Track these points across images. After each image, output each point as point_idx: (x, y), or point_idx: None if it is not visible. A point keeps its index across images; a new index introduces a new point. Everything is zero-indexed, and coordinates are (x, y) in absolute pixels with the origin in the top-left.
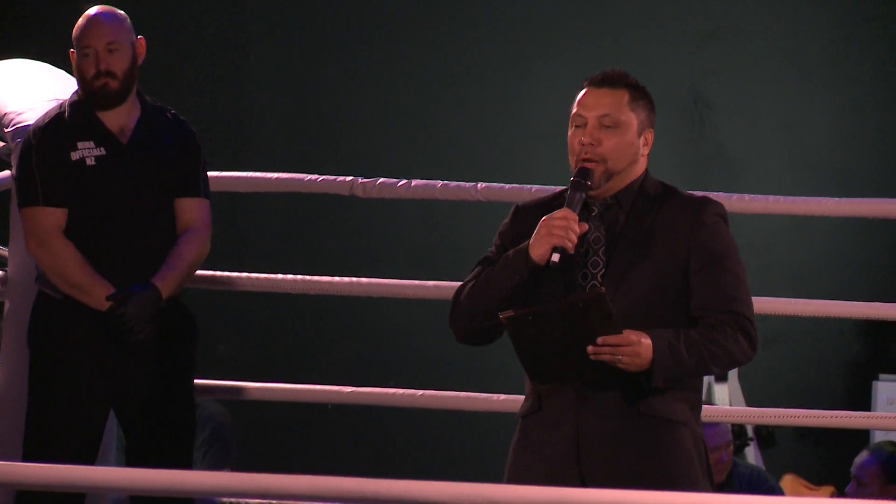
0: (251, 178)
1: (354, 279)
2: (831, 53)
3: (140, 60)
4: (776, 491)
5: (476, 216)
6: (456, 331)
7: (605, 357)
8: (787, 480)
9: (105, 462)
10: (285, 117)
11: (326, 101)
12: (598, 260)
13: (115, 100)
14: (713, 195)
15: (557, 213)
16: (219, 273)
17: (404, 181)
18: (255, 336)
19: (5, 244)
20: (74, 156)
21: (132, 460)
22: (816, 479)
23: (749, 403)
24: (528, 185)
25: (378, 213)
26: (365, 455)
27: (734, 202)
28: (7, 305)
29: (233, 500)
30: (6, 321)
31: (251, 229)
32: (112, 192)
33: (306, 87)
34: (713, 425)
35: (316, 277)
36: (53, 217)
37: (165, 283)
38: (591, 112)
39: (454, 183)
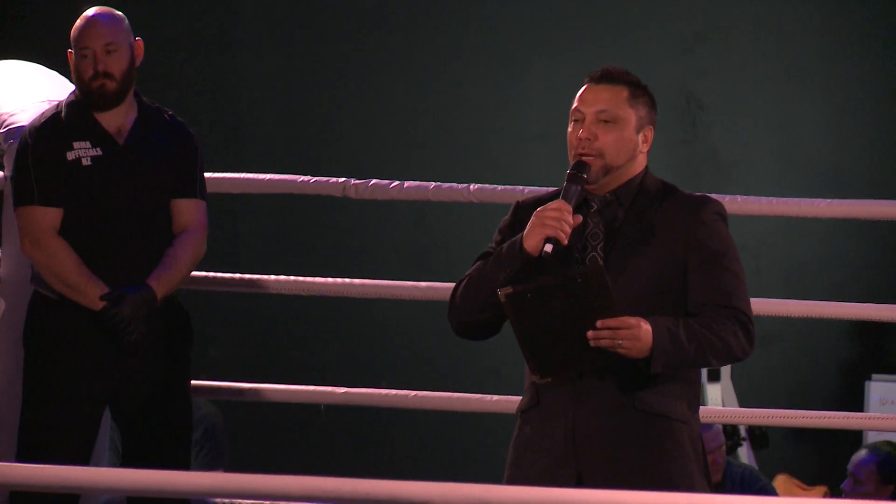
0: (244, 179)
1: (347, 280)
2: (824, 55)
3: (138, 62)
4: (769, 490)
5: (469, 217)
6: (453, 324)
7: (605, 342)
8: (780, 480)
9: (98, 463)
10: (278, 118)
11: (319, 102)
12: (596, 255)
13: (112, 101)
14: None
15: (551, 205)
16: (211, 274)
17: (397, 182)
18: (247, 337)
19: None
20: (70, 156)
21: (129, 460)
22: (809, 479)
23: (742, 404)
24: (521, 187)
25: (371, 214)
26: (358, 455)
27: (727, 203)
28: (1, 306)
29: (226, 500)
30: (0, 322)
31: (244, 230)
32: (108, 193)
33: (299, 89)
34: (706, 428)
35: (308, 278)
36: (49, 217)
37: (160, 284)
38: (590, 108)
39: (447, 184)
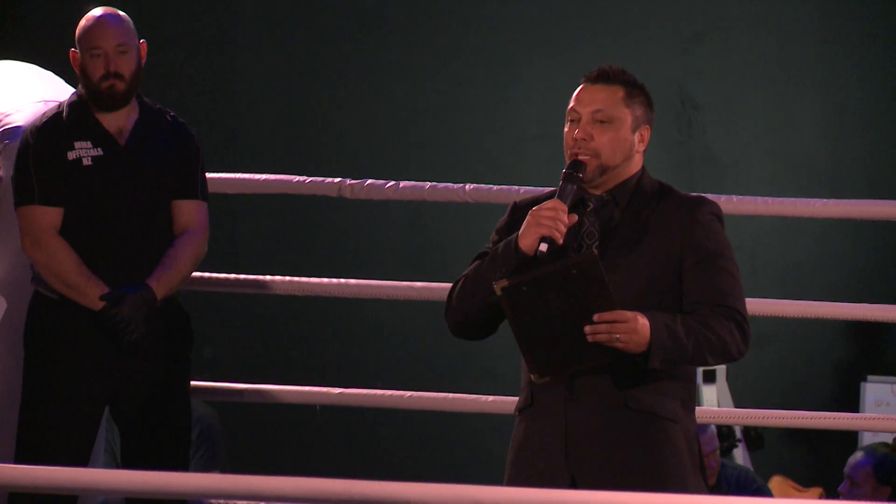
0: (239, 179)
1: (342, 280)
2: (819, 55)
3: (143, 63)
4: (764, 491)
5: (464, 218)
6: (450, 324)
7: (603, 337)
8: (775, 482)
9: (93, 464)
10: (273, 119)
11: (315, 102)
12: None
13: (121, 101)
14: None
15: (546, 204)
16: (206, 274)
17: (392, 182)
18: (243, 337)
19: None
20: (71, 155)
21: (128, 460)
22: (805, 480)
23: (737, 404)
24: (517, 187)
25: (366, 214)
26: (353, 456)
27: (723, 204)
28: (2, 305)
29: (221, 501)
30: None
31: (239, 231)
32: (108, 193)
33: (294, 89)
34: (701, 430)
35: (304, 279)
36: (49, 216)
37: (160, 284)
38: (586, 107)
39: (442, 184)
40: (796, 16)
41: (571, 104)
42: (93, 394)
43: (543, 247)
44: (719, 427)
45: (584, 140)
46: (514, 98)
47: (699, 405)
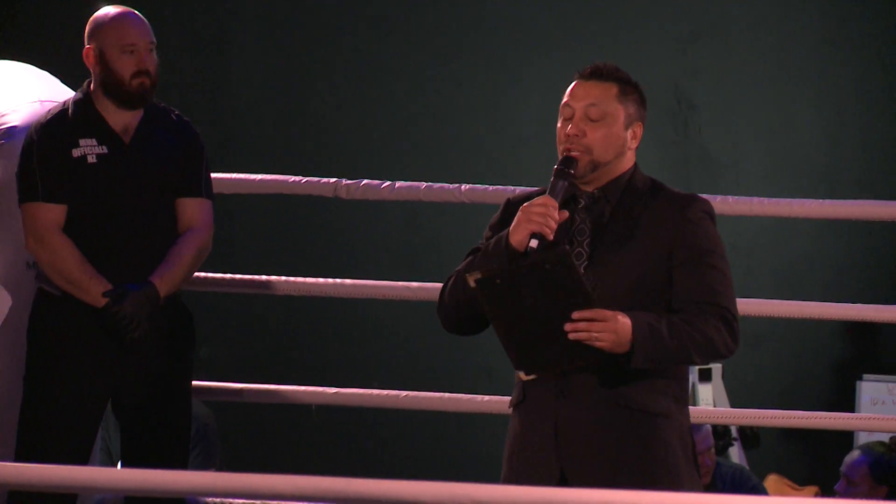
0: (235, 179)
1: (338, 280)
2: (815, 56)
3: None
4: (759, 490)
5: (460, 218)
6: (442, 320)
7: (582, 335)
8: (771, 480)
9: (90, 462)
10: (269, 119)
11: (310, 102)
12: (582, 251)
13: (147, 99)
14: None
15: (537, 200)
16: (202, 274)
17: (388, 183)
18: (239, 337)
19: None
20: (76, 153)
21: (129, 457)
22: (800, 479)
23: (733, 404)
24: (513, 187)
25: (362, 214)
26: (349, 455)
27: (718, 204)
28: (8, 301)
29: (217, 500)
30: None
31: (235, 231)
32: (113, 191)
33: (290, 89)
34: (696, 429)
35: (300, 279)
36: (53, 213)
37: (163, 282)
38: (579, 103)
39: (438, 184)
40: (793, 16)
41: (565, 100)
42: (95, 390)
43: (534, 243)
44: (715, 426)
45: (577, 136)
46: (511, 98)
47: (695, 405)
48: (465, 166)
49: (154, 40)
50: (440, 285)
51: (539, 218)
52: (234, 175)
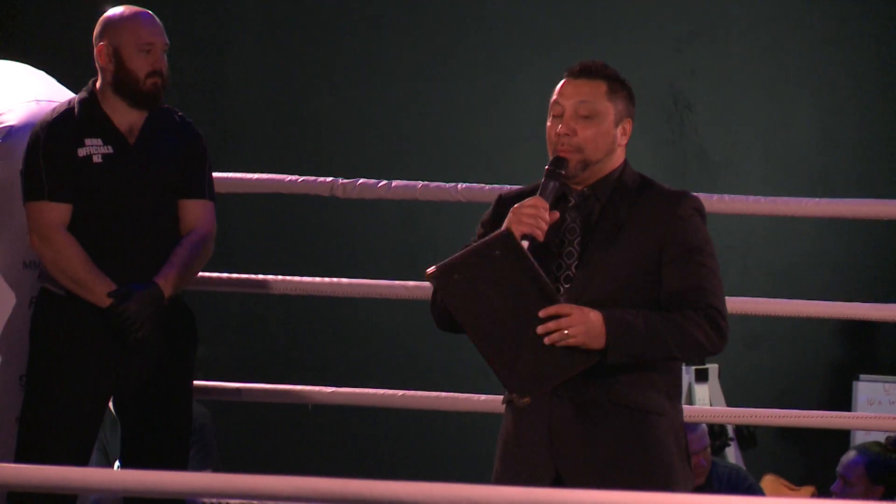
0: (232, 178)
1: (335, 280)
2: (812, 55)
3: None
4: (756, 490)
5: (456, 217)
6: (436, 319)
7: (555, 336)
8: (767, 481)
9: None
10: (266, 118)
11: (307, 101)
12: (573, 250)
13: (159, 100)
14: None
15: (528, 201)
16: (199, 273)
17: (385, 182)
18: (236, 336)
19: None
20: (82, 152)
21: (130, 457)
22: (797, 479)
23: (730, 404)
24: (509, 187)
25: (359, 213)
26: (346, 455)
27: (714, 203)
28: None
29: (214, 500)
30: None
31: (232, 230)
32: (117, 191)
33: (287, 88)
34: (691, 429)
35: (296, 278)
36: (57, 212)
37: (167, 282)
38: (568, 101)
39: (434, 183)
40: (790, 16)
41: (554, 97)
42: (97, 390)
43: (525, 244)
44: (711, 425)
45: (568, 135)
46: (509, 97)
47: (692, 404)
48: (462, 165)
49: (168, 42)
50: None
51: (530, 220)
52: (231, 174)
